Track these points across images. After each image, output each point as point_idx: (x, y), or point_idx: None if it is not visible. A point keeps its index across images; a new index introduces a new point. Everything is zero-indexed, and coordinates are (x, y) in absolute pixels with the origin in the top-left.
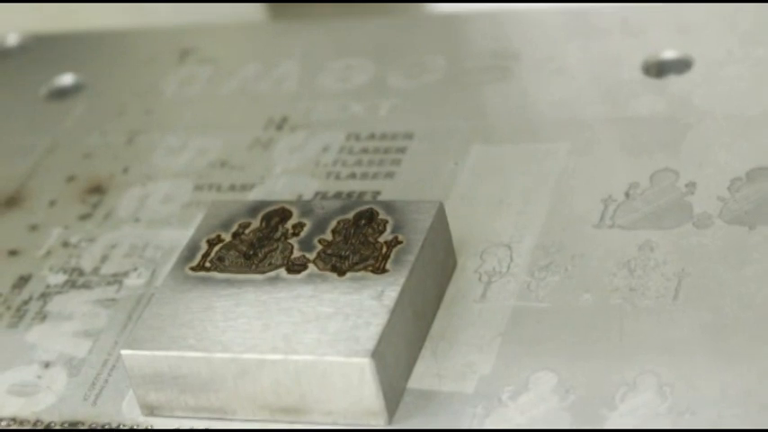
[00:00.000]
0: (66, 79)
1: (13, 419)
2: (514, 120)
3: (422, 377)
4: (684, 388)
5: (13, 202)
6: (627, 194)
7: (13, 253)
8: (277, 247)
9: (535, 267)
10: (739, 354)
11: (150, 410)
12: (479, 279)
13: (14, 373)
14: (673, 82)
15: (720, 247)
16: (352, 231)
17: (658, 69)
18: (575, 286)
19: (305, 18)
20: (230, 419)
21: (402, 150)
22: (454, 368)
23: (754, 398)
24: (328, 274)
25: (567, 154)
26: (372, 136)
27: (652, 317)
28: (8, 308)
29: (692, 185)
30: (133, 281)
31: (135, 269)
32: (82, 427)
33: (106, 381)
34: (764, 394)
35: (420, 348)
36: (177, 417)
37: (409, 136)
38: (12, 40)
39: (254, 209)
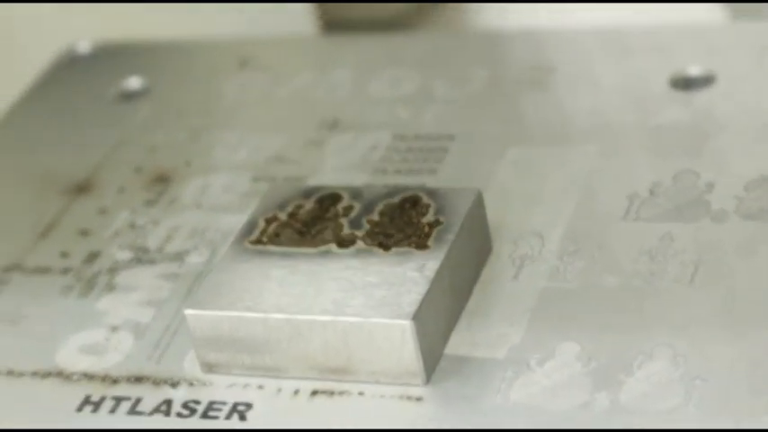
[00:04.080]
0: (134, 83)
1: (84, 374)
2: (548, 125)
3: (458, 345)
4: (696, 358)
5: (84, 188)
6: (651, 192)
7: (83, 233)
8: (328, 226)
9: (564, 253)
10: (748, 330)
11: (209, 368)
12: (512, 263)
13: (85, 335)
14: (697, 95)
15: (735, 239)
16: (398, 213)
17: (684, 84)
18: (600, 270)
19: (357, 33)
20: (283, 378)
21: (444, 150)
22: (487, 338)
23: (760, 369)
24: (375, 249)
25: (597, 156)
26: (417, 137)
27: (670, 297)
28: (79, 280)
29: (710, 185)
30: (194, 258)
31: (196, 248)
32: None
33: (168, 343)
34: None
35: (456, 319)
36: (234, 374)
37: (451, 138)
38: (83, 47)
39: (309, 192)
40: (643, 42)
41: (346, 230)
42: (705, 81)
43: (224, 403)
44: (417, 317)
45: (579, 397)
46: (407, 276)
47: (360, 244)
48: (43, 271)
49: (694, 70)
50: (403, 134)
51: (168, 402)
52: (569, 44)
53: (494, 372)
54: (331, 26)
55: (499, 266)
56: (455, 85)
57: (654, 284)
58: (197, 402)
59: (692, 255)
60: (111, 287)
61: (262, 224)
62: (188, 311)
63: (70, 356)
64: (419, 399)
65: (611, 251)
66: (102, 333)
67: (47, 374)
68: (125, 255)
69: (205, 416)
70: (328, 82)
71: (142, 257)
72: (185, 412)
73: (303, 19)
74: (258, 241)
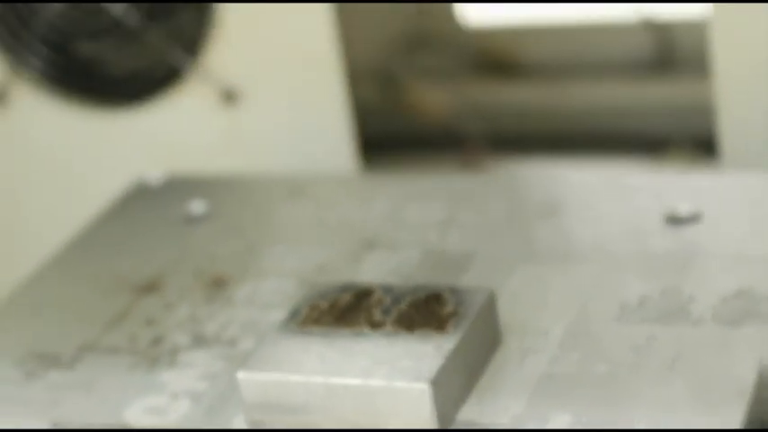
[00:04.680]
0: (198, 208)
1: (148, 429)
2: (555, 248)
3: (468, 413)
4: (671, 426)
5: (151, 288)
6: (640, 302)
7: (149, 322)
8: (362, 314)
9: (563, 346)
10: (719, 408)
11: (256, 425)
12: (519, 352)
13: (149, 400)
14: (685, 230)
15: (710, 340)
16: (423, 305)
17: (674, 220)
18: (593, 360)
19: (392, 172)
20: None
21: (466, 264)
22: (493, 409)
23: None
24: (401, 331)
25: (595, 273)
26: (443, 253)
27: (651, 380)
28: (144, 358)
29: (692, 298)
30: (245, 344)
31: (247, 336)
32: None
33: (221, 407)
34: None
35: (468, 393)
36: None
37: (473, 255)
38: (154, 178)
39: (346, 288)
40: (641, 184)
41: (377, 317)
42: (693, 218)
43: None
44: (435, 381)
45: None
46: (427, 352)
47: (388, 327)
48: (113, 351)
49: (684, 209)
50: (430, 251)
51: None
52: (577, 184)
53: None
54: (369, 146)
55: (507, 355)
56: (477, 214)
57: (638, 372)
58: None
59: (671, 350)
60: (172, 364)
61: (305, 311)
62: (240, 375)
63: (136, 415)
64: None
65: (604, 346)
66: (164, 399)
67: (115, 428)
68: (185, 339)
69: None
70: (367, 210)
71: (200, 342)
72: None
73: (342, 141)
74: (301, 324)
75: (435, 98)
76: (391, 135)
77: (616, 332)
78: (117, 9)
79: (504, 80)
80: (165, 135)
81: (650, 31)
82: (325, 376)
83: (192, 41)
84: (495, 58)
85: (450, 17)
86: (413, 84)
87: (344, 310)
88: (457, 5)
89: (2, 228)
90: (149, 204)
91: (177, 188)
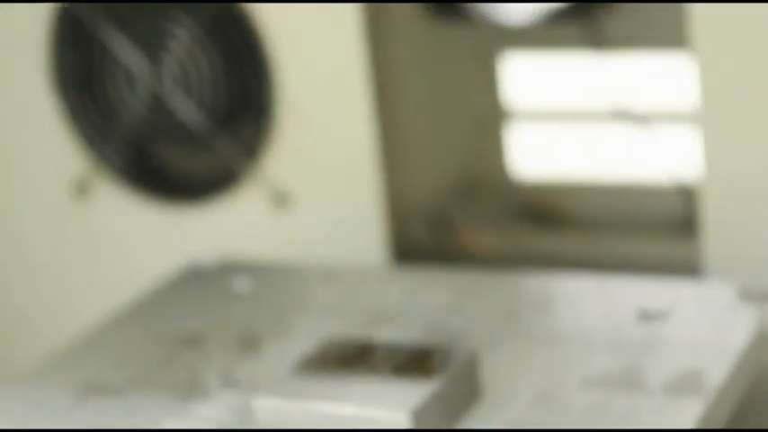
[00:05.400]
0: (242, 286)
1: None
2: (538, 334)
3: None
4: None
5: (194, 342)
6: (605, 379)
7: (188, 369)
8: (364, 362)
9: (533, 404)
10: None
11: None
12: (493, 406)
13: (180, 421)
14: (654, 325)
15: (653, 404)
16: (416, 356)
17: (645, 317)
18: (556, 417)
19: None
20: None
21: (462, 337)
22: None
23: None
24: (394, 374)
25: (570, 354)
26: (443, 329)
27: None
28: (181, 392)
29: (647, 373)
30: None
31: None
32: None
33: (242, 424)
34: None
35: (447, 428)
36: None
37: (469, 331)
38: (205, 260)
39: (354, 341)
40: (620, 289)
41: (376, 365)
42: (663, 316)
43: None
44: (415, 412)
45: None
46: (413, 390)
47: (383, 371)
48: (155, 385)
49: (653, 307)
50: (435, 327)
51: None
52: (567, 284)
53: None
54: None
55: (485, 405)
56: (479, 302)
57: (590, 425)
58: None
59: (620, 410)
60: (205, 398)
61: (317, 355)
62: (255, 402)
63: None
64: None
65: (566, 405)
66: (194, 422)
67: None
68: (217, 382)
69: None
70: (382, 294)
71: (231, 383)
72: None
73: (376, 244)
74: (311, 365)
75: (483, 241)
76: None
77: (577, 396)
78: (186, 115)
79: (547, 230)
80: (222, 228)
81: (681, 195)
82: (324, 405)
83: (251, 148)
84: (541, 209)
85: (501, 168)
86: (463, 227)
87: (350, 357)
88: (509, 160)
89: (74, 299)
90: (200, 282)
91: (225, 271)
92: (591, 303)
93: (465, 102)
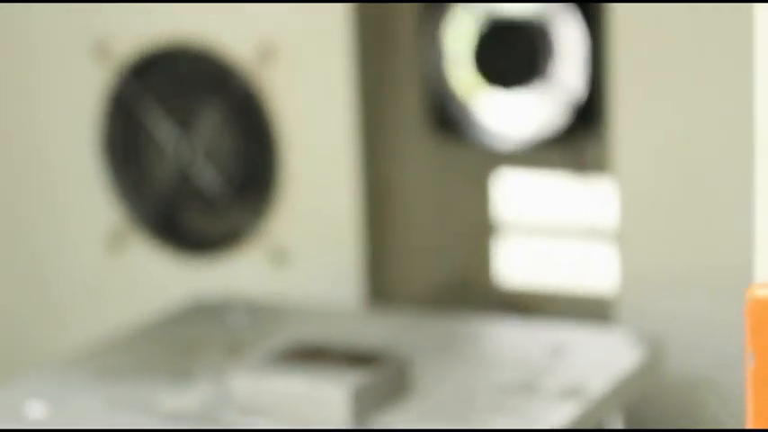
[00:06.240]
0: (239, 320)
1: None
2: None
3: (379, 418)
4: None
5: (188, 352)
6: (505, 384)
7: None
8: (318, 357)
9: (445, 402)
10: None
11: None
12: (419, 400)
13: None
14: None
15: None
16: (363, 357)
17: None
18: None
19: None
20: None
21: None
22: (394, 419)
23: None
24: (343, 365)
25: (488, 370)
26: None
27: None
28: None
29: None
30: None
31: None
32: None
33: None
34: None
35: (382, 408)
36: None
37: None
38: (208, 299)
39: (312, 344)
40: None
41: (330, 358)
42: (569, 350)
43: None
44: (356, 390)
45: None
46: (356, 375)
47: (336, 363)
48: (158, 370)
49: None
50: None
51: None
52: (497, 326)
53: None
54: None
55: (412, 395)
56: (424, 335)
57: (493, 412)
58: None
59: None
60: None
61: (281, 352)
62: (232, 380)
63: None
64: None
65: (476, 404)
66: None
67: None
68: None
69: None
70: (363, 330)
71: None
72: None
73: (353, 288)
74: (276, 358)
75: None
76: None
77: (487, 396)
78: (206, 181)
79: None
80: (229, 279)
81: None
82: (284, 382)
83: (257, 211)
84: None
85: (488, 274)
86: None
87: (307, 354)
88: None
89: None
90: (202, 314)
91: (225, 306)
92: (513, 339)
93: (458, 212)
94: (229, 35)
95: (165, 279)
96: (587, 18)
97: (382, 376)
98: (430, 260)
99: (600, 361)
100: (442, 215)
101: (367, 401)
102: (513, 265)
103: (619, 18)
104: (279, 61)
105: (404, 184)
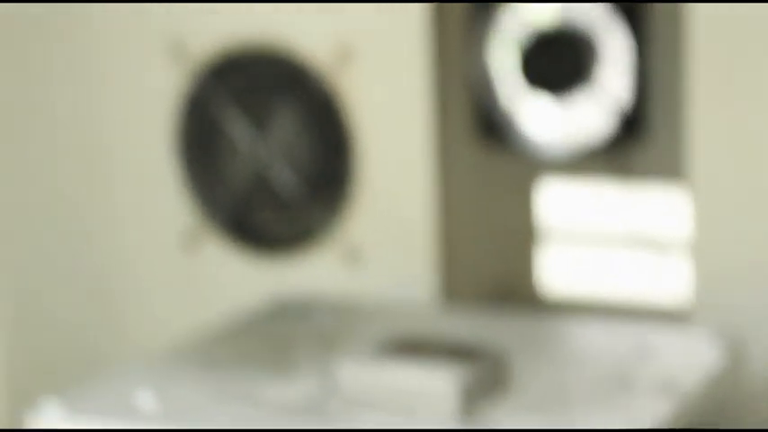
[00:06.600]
0: (321, 317)
1: None
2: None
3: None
4: None
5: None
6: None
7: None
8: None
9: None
10: None
11: None
12: (515, 392)
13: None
14: None
15: None
16: (454, 351)
17: None
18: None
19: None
20: None
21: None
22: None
23: None
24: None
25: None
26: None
27: None
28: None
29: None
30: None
31: None
32: None
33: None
34: None
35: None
36: None
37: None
38: (287, 299)
39: (411, 338)
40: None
41: (427, 353)
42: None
43: None
44: (464, 383)
45: None
46: (461, 368)
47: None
48: (259, 360)
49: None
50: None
51: None
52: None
53: None
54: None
55: (510, 390)
56: (510, 332)
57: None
58: None
59: (614, 402)
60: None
61: (387, 344)
62: (341, 370)
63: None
64: None
65: (571, 395)
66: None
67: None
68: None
69: None
70: (447, 326)
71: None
72: None
73: (428, 286)
74: (382, 349)
75: None
76: None
77: (583, 391)
78: (282, 182)
79: None
80: (304, 279)
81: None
82: (392, 376)
83: (333, 212)
84: None
85: (531, 282)
86: None
87: (410, 348)
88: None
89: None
90: (288, 311)
91: (306, 305)
92: (598, 338)
93: (504, 220)
94: (306, 37)
95: (239, 279)
96: (633, 26)
97: (486, 370)
98: (477, 266)
99: (686, 360)
100: (488, 223)
101: (473, 394)
102: (557, 272)
103: (698, 20)
104: (356, 63)
105: (455, 190)
